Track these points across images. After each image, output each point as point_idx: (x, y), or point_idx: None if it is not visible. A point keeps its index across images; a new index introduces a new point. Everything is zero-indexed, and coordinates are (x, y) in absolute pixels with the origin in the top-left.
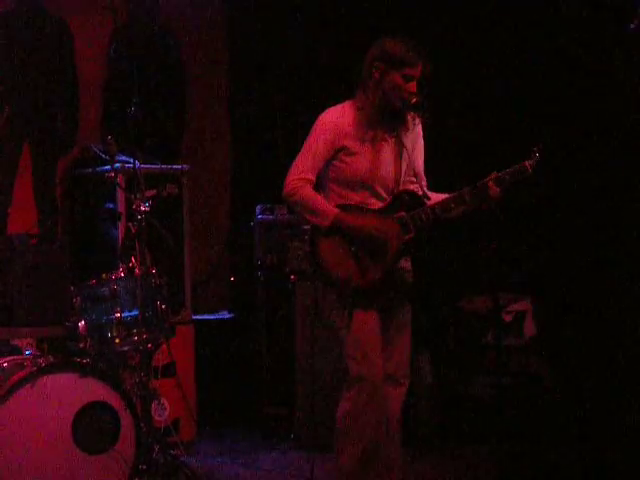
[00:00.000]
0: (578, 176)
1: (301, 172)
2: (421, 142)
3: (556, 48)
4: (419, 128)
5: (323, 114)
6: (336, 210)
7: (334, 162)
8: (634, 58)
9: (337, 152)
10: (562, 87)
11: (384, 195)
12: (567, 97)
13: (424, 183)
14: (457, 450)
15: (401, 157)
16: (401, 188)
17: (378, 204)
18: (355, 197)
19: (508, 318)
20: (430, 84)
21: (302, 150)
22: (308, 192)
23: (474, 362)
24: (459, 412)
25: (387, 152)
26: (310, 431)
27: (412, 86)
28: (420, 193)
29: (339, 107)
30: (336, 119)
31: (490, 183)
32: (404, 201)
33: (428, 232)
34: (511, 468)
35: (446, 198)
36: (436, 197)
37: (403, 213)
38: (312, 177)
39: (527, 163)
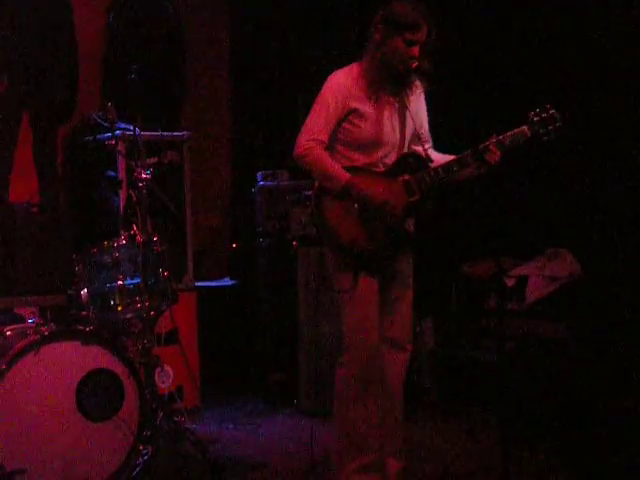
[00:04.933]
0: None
1: (314, 133)
2: (424, 105)
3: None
4: (422, 92)
5: (331, 75)
6: (348, 175)
7: (344, 124)
8: None
9: (348, 114)
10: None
11: (391, 156)
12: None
13: (428, 145)
14: (460, 414)
15: (405, 120)
16: (406, 151)
17: (383, 166)
18: (361, 159)
19: (510, 283)
20: (435, 49)
21: (313, 111)
22: (321, 154)
23: (476, 327)
24: (461, 377)
25: (392, 114)
26: (313, 397)
27: (414, 50)
28: (424, 155)
29: (347, 69)
30: (345, 80)
31: (491, 146)
32: (408, 163)
33: (434, 194)
34: (514, 432)
35: (449, 161)
36: (441, 158)
37: (407, 176)
38: (325, 138)
39: (526, 127)
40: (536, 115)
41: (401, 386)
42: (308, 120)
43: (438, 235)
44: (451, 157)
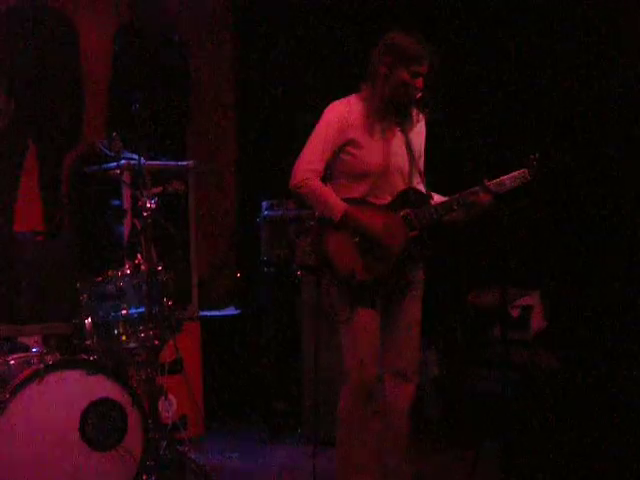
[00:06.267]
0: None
1: (310, 163)
2: (423, 141)
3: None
4: (423, 126)
5: (330, 106)
6: (345, 205)
7: (342, 155)
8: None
9: (345, 145)
10: (565, 91)
11: (398, 186)
12: (570, 101)
13: (422, 181)
14: (464, 444)
15: (409, 152)
16: (410, 184)
17: (386, 197)
18: (363, 190)
19: (515, 313)
20: (436, 80)
21: (310, 141)
22: (317, 184)
23: (480, 356)
24: (465, 406)
25: (397, 144)
26: (317, 426)
27: (418, 82)
28: (424, 191)
29: (345, 100)
30: (343, 111)
31: (492, 187)
32: (409, 198)
33: (433, 230)
34: (517, 462)
35: (450, 198)
36: (436, 197)
37: (408, 210)
38: (320, 168)
39: (526, 170)
40: (536, 159)
41: (407, 418)
42: (305, 150)
43: (443, 265)
44: (444, 198)
